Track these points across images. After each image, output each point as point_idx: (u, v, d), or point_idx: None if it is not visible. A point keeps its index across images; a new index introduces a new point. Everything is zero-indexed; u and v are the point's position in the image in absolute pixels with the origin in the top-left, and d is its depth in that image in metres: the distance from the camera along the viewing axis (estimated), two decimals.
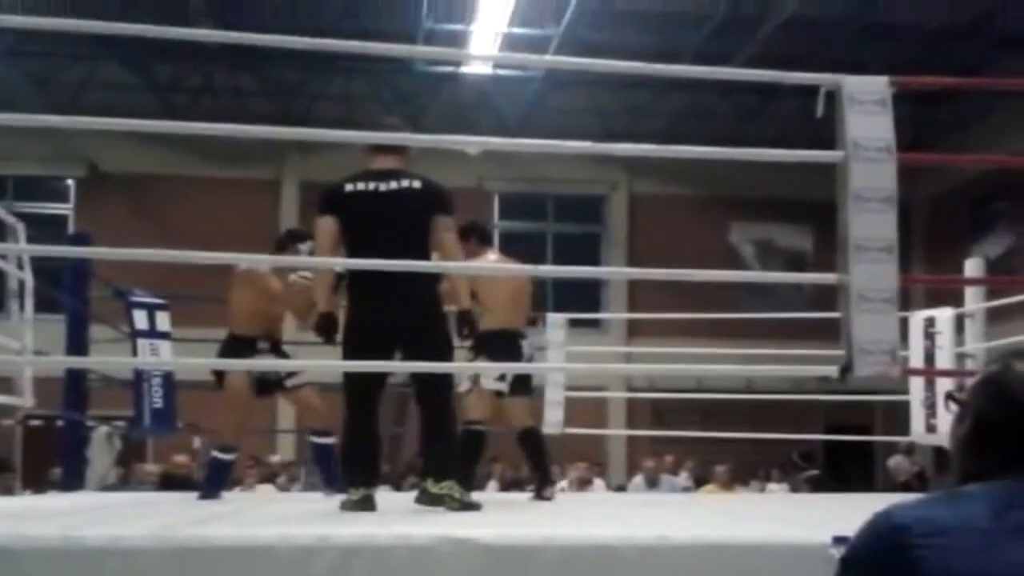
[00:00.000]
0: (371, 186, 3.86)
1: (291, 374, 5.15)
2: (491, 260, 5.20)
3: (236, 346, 4.98)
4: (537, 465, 5.28)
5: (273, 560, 2.39)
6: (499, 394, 4.99)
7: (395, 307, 3.77)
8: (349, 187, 3.89)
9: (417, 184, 3.89)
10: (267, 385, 5.13)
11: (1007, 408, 1.29)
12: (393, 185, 3.85)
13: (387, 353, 3.75)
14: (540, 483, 5.18)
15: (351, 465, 4.00)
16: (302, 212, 15.28)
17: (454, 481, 3.74)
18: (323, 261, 3.94)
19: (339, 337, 3.94)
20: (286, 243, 5.07)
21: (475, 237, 5.07)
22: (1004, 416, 1.29)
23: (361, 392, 3.90)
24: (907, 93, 3.55)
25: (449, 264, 4.02)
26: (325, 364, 5.04)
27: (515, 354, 4.86)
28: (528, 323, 5.34)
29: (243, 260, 4.94)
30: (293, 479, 10.72)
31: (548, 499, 5.05)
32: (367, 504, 3.76)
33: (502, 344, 4.83)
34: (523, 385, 5.11)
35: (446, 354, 3.94)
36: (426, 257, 3.88)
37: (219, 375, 4.97)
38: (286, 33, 3.73)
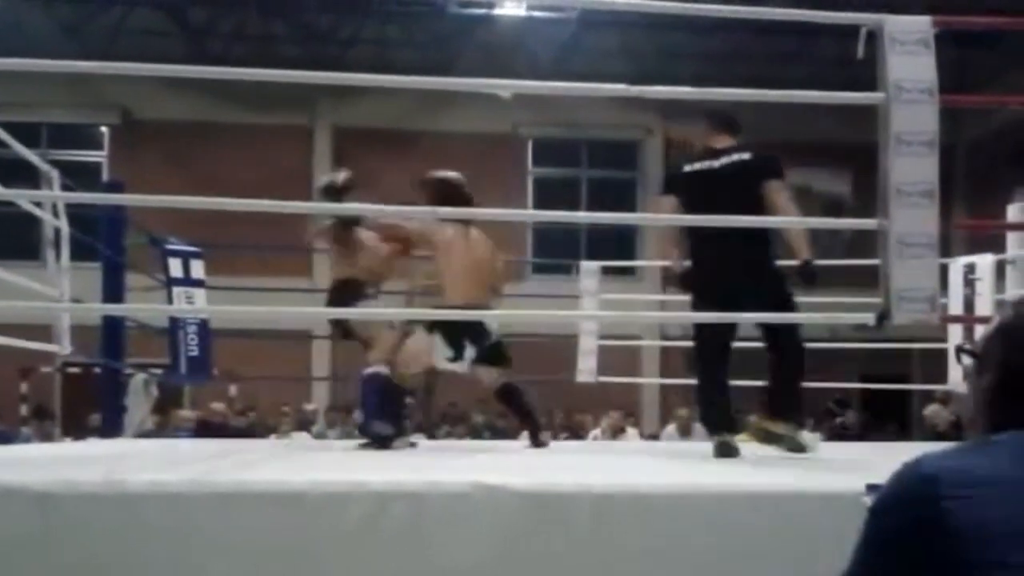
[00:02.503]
0: (707, 164, 4.23)
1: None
2: (448, 235, 4.77)
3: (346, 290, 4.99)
4: (522, 415, 5.16)
5: (309, 506, 2.40)
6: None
7: (735, 268, 4.09)
8: (688, 168, 4.26)
9: (747, 155, 4.21)
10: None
11: None
12: (724, 160, 4.21)
13: (731, 309, 4.00)
14: (532, 431, 5.05)
15: (708, 413, 4.31)
16: (335, 158, 15.28)
17: (793, 423, 4.12)
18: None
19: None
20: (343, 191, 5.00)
21: (436, 195, 4.74)
22: None
23: (712, 344, 4.22)
24: (950, 33, 3.45)
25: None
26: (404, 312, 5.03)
27: (476, 332, 4.70)
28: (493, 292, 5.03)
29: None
30: (332, 424, 10.84)
31: (544, 444, 4.95)
32: (728, 450, 3.99)
33: (463, 323, 4.66)
34: (495, 356, 4.94)
35: (788, 308, 4.17)
36: (760, 229, 4.18)
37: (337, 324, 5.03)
38: None
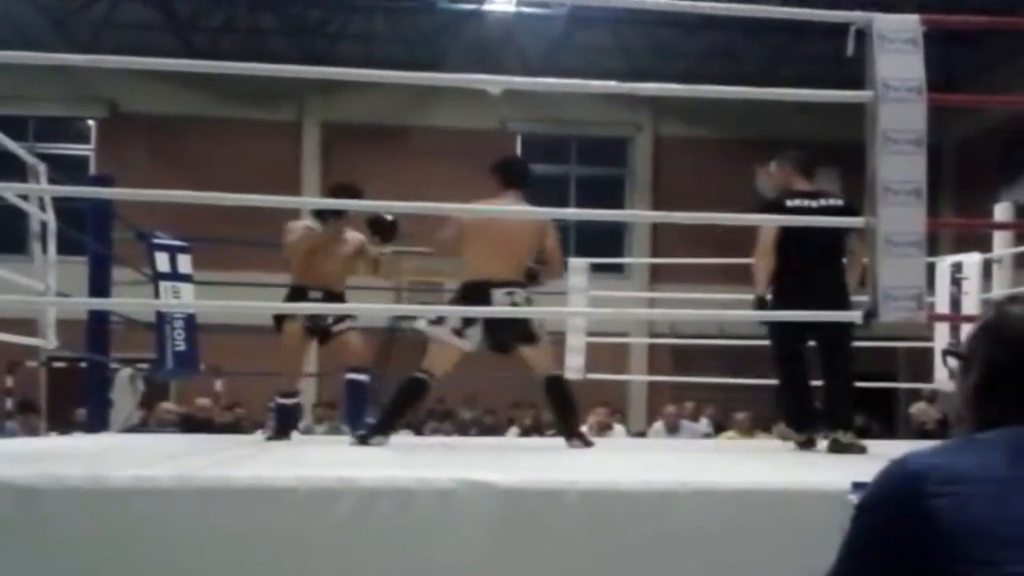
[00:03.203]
0: (806, 203, 4.77)
1: (338, 320, 5.27)
2: (497, 204, 4.82)
3: (291, 295, 5.28)
4: (559, 415, 4.99)
5: (296, 501, 2.40)
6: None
7: (821, 290, 4.58)
8: (789, 202, 4.77)
9: (840, 203, 4.76)
10: (324, 332, 5.29)
11: (1013, 352, 1.29)
12: (823, 202, 4.77)
13: (807, 329, 4.66)
14: (566, 432, 4.88)
15: (790, 411, 4.96)
16: (323, 153, 15.26)
17: (852, 432, 4.56)
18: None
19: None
20: (336, 194, 5.19)
21: (499, 178, 4.96)
22: (1011, 360, 1.29)
23: (789, 350, 4.79)
24: (939, 32, 3.47)
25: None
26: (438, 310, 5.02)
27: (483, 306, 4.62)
28: (528, 276, 4.90)
29: (280, 203, 4.90)
30: (319, 420, 10.82)
31: (581, 445, 4.76)
32: (810, 446, 4.63)
33: (472, 298, 4.60)
34: (523, 333, 4.75)
35: (851, 331, 4.58)
36: (841, 259, 4.76)
37: (278, 323, 5.22)
38: None
